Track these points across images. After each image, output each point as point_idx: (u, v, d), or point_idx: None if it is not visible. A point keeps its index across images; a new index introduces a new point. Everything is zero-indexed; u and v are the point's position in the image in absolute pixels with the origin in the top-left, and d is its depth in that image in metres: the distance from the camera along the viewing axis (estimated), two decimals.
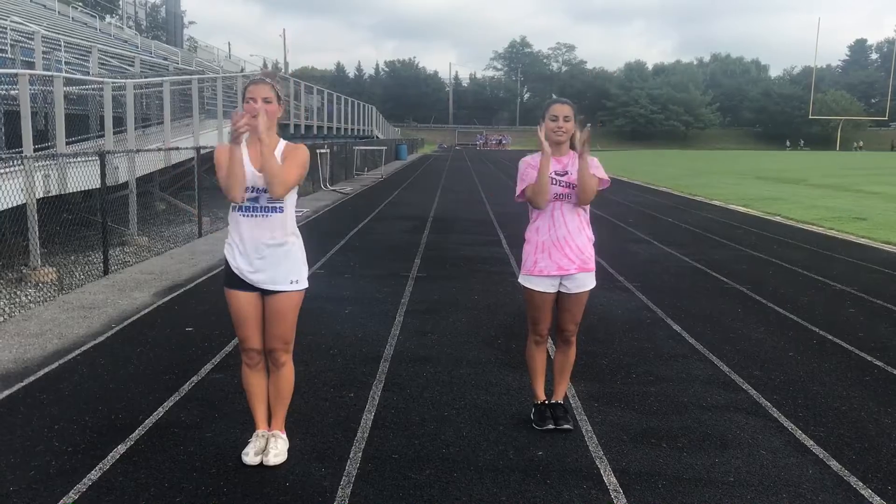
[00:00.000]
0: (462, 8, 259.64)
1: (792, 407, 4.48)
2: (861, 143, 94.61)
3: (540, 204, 3.89)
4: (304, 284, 3.61)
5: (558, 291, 4.02)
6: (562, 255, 3.92)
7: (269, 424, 3.74)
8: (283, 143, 3.57)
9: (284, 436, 3.74)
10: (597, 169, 3.92)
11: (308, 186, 18.84)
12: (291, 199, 3.58)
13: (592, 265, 4.02)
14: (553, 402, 4.16)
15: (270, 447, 3.65)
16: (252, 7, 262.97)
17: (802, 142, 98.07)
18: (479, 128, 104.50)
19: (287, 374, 3.67)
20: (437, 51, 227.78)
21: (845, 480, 3.55)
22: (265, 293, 3.55)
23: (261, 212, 3.48)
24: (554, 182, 3.87)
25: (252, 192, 3.46)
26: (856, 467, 3.68)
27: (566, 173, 3.90)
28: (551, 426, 4.05)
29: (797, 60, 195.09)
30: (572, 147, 3.92)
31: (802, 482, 3.52)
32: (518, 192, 3.98)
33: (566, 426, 4.05)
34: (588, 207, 4.01)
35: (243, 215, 3.49)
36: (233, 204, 3.49)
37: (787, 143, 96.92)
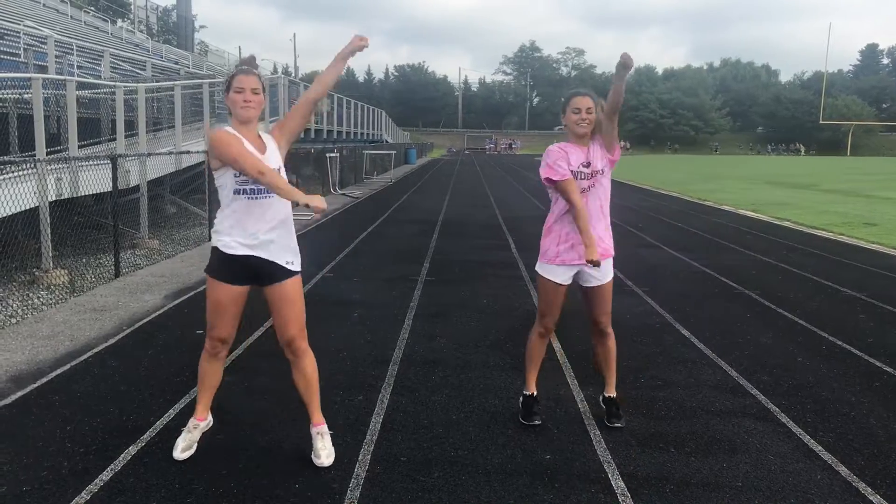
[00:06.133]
0: (477, 13, 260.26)
1: (800, 412, 4.47)
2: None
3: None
4: (299, 268, 3.61)
5: (584, 287, 4.12)
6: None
7: (312, 420, 3.71)
8: (262, 132, 3.59)
9: (327, 430, 3.73)
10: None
11: (318, 190, 18.88)
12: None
13: (612, 251, 4.11)
14: (607, 396, 4.26)
15: (320, 447, 3.66)
16: (270, 12, 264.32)
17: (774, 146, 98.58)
18: (489, 132, 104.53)
19: (311, 361, 3.68)
20: (451, 55, 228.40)
21: (854, 486, 3.54)
22: (264, 284, 3.55)
23: (265, 193, 3.45)
24: (580, 176, 3.89)
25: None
26: (864, 473, 3.67)
27: (590, 164, 3.91)
28: (537, 422, 4.14)
29: (808, 65, 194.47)
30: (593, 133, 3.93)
31: (811, 488, 3.52)
32: (544, 176, 3.92)
33: (617, 424, 4.14)
34: (609, 194, 4.07)
35: (249, 198, 3.45)
36: (235, 189, 3.45)
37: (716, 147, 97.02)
